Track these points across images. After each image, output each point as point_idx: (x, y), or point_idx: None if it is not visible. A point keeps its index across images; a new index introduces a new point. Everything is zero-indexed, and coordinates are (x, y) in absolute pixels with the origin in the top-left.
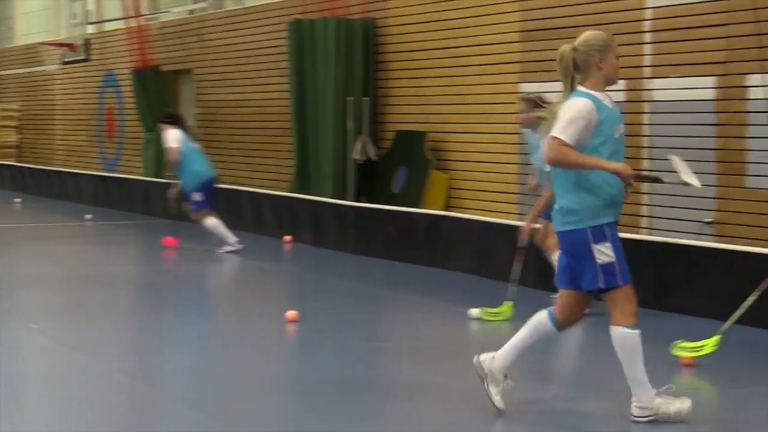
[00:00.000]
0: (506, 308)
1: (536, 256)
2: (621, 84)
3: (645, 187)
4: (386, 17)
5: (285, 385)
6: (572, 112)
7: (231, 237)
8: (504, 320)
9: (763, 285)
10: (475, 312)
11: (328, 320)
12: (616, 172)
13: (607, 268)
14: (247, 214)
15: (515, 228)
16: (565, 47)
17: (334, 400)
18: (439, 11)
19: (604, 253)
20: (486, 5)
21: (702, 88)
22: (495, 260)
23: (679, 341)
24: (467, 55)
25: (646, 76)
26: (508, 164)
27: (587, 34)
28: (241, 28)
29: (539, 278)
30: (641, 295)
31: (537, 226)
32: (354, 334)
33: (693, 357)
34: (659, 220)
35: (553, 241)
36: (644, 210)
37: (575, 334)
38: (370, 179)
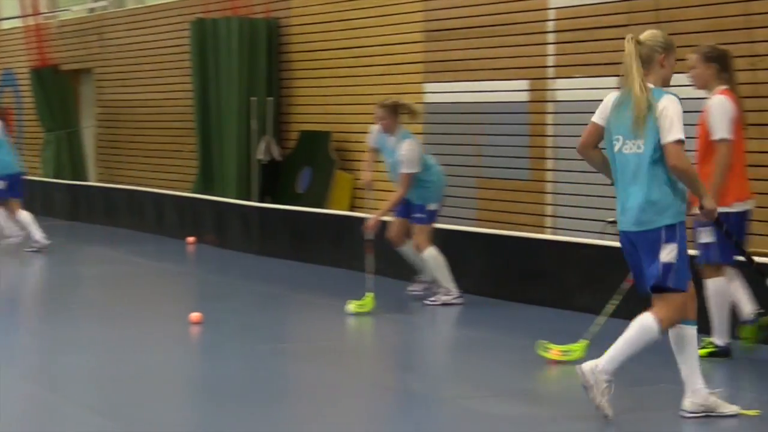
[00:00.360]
0: (368, 300)
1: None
2: (524, 84)
3: (548, 187)
4: (289, 17)
5: (188, 388)
6: (678, 114)
7: (17, 231)
8: (368, 312)
9: (623, 288)
10: (350, 307)
11: (232, 322)
12: (706, 208)
13: (667, 267)
14: (150, 215)
15: None
16: (629, 41)
17: (238, 402)
18: (342, 11)
19: (669, 253)
20: (389, 5)
21: (605, 88)
22: (400, 260)
23: (545, 342)
24: (371, 55)
25: (549, 76)
26: None
27: (652, 31)
28: (142, 27)
29: (397, 269)
30: (545, 294)
31: (389, 219)
32: (258, 335)
33: (564, 360)
34: (563, 220)
35: (421, 238)
36: (548, 210)
37: (455, 332)
38: (275, 179)
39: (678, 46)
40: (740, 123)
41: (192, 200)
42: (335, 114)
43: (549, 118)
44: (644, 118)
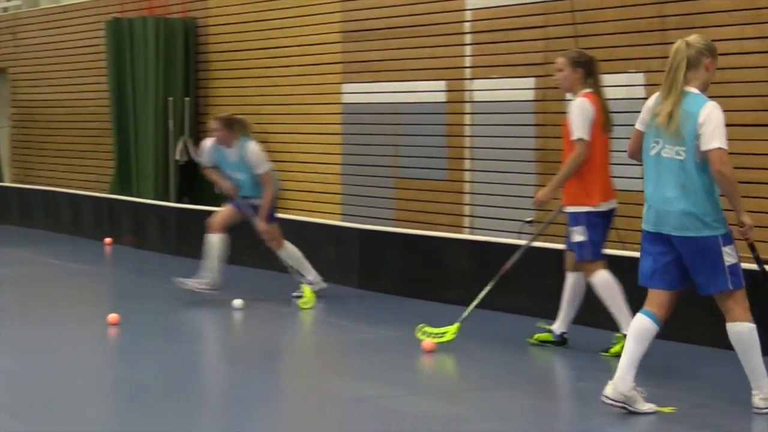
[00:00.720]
0: (309, 294)
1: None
2: (442, 84)
3: (466, 187)
4: (206, 17)
5: (106, 390)
6: (721, 121)
7: None
8: (311, 307)
9: (498, 275)
10: (238, 303)
11: (150, 323)
12: (744, 222)
13: (732, 269)
14: (66, 216)
15: (339, 228)
16: (680, 42)
17: (157, 402)
18: (260, 11)
19: (730, 255)
20: (307, 6)
21: (522, 89)
22: (318, 260)
23: (423, 325)
24: (289, 55)
25: (466, 77)
26: (330, 164)
27: (698, 36)
28: (57, 26)
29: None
30: (463, 294)
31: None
32: (177, 336)
33: (436, 342)
34: (480, 220)
35: (217, 219)
36: (466, 210)
37: (373, 332)
38: (192, 180)
39: (593, 48)
40: (601, 125)
41: (109, 201)
42: (254, 114)
43: (467, 119)
44: (683, 124)
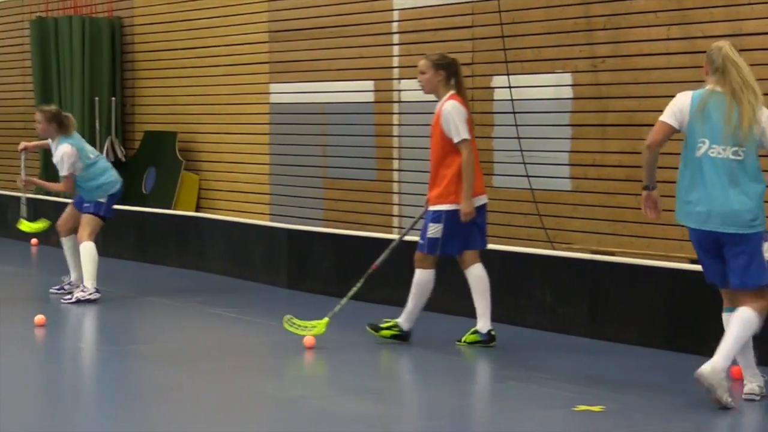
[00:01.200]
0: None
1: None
2: (370, 84)
3: (395, 187)
4: (132, 16)
5: (33, 392)
6: None
7: None
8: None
9: (367, 273)
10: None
11: (77, 324)
12: None
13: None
14: None
15: (267, 228)
16: (729, 46)
17: (85, 404)
18: (186, 11)
19: (765, 250)
20: (233, 5)
21: None
22: (247, 260)
23: (290, 317)
24: (216, 55)
25: (394, 77)
26: (259, 164)
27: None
28: None
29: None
30: (392, 294)
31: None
32: (104, 337)
33: (305, 335)
34: (410, 220)
35: (84, 230)
36: (395, 210)
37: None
38: None
39: (520, 48)
40: (471, 125)
41: (35, 202)
42: (181, 114)
43: (395, 119)
44: (751, 128)
